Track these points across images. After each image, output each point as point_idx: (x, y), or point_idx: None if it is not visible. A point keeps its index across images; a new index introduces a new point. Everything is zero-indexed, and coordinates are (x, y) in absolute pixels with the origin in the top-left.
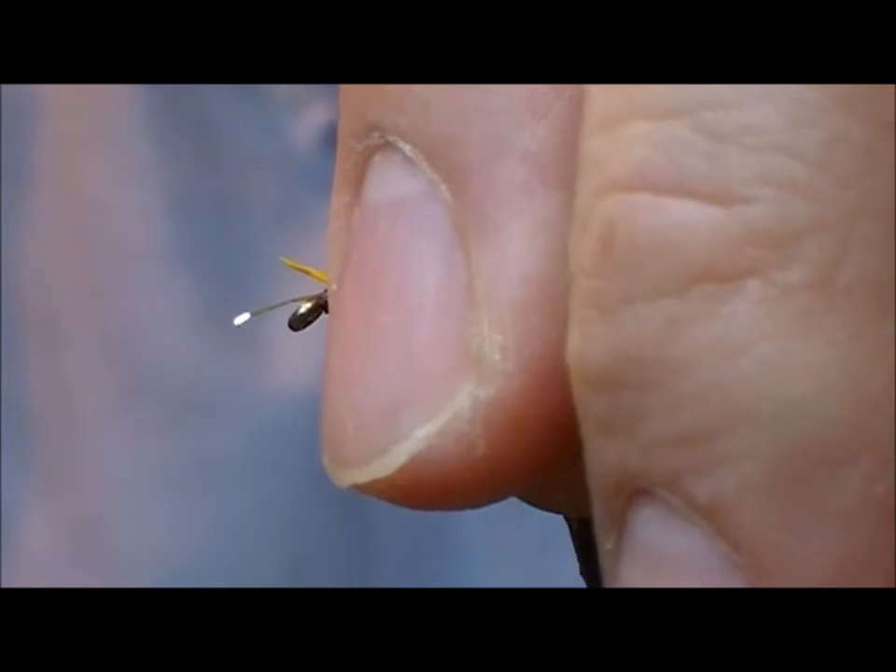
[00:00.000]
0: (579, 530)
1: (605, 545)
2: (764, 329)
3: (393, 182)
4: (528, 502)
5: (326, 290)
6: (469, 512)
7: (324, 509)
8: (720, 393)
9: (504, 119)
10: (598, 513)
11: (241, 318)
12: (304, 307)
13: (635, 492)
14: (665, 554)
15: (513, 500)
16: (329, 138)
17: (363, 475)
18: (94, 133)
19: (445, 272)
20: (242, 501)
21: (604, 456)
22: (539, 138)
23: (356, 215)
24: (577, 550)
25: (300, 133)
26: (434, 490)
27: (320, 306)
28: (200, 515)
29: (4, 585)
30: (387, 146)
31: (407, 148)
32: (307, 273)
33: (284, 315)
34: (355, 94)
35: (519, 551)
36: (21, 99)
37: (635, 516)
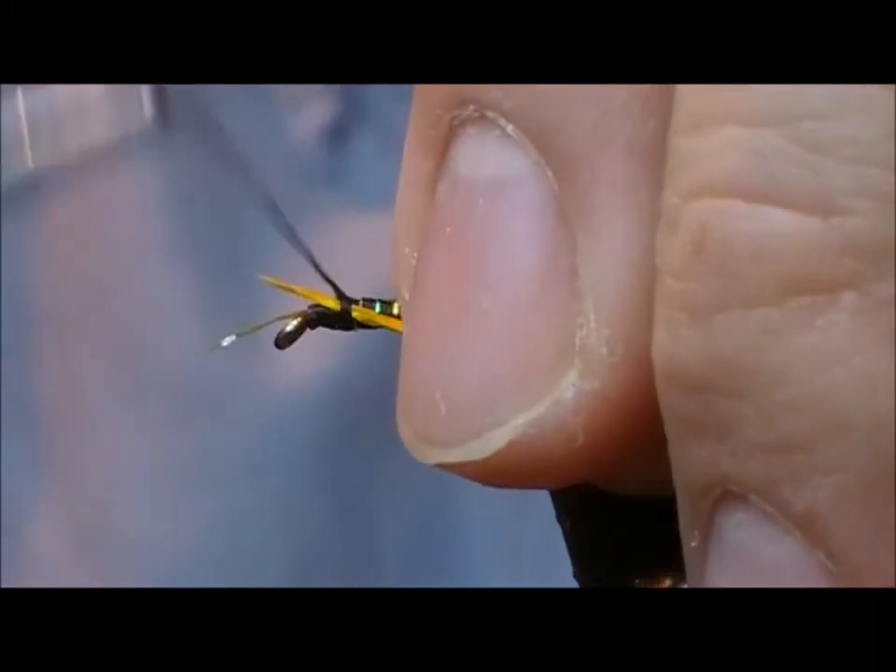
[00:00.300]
0: (571, 532)
1: (689, 542)
2: (860, 340)
3: (490, 159)
4: (598, 485)
5: (310, 307)
6: (472, 512)
7: (328, 507)
8: (816, 403)
9: (615, 111)
10: (683, 511)
11: (227, 340)
12: (291, 325)
13: (725, 494)
14: (759, 560)
15: (516, 501)
16: (330, 136)
17: (453, 456)
18: None
19: (549, 257)
20: (246, 499)
21: (693, 458)
22: (648, 134)
23: (444, 187)
24: (570, 551)
25: (300, 131)
26: (524, 474)
27: (306, 323)
28: (204, 512)
29: (8, 580)
30: (483, 120)
31: (509, 128)
32: (290, 290)
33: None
34: None
35: (522, 550)
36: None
37: (725, 518)
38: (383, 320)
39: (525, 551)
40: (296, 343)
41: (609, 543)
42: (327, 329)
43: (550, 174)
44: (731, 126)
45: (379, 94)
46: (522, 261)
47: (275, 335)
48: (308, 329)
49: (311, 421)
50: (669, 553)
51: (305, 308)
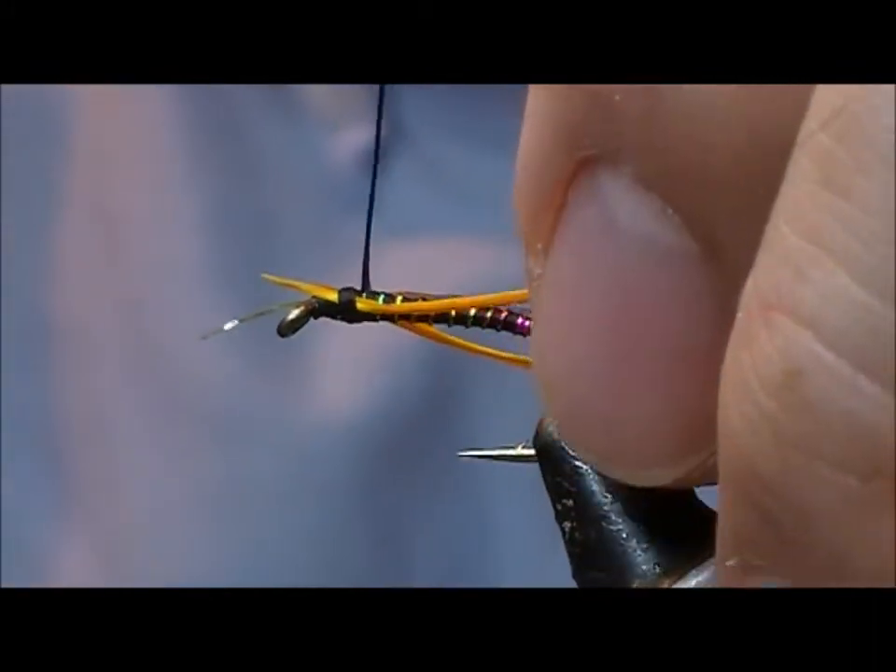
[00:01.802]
0: (571, 536)
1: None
2: None
3: (648, 218)
4: None
5: (313, 298)
6: (507, 536)
7: (360, 534)
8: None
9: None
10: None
11: (229, 325)
12: (293, 313)
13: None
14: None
15: (551, 522)
16: (366, 160)
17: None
18: (127, 152)
19: (700, 342)
20: (276, 526)
21: None
22: None
23: (594, 219)
24: (569, 555)
25: (336, 154)
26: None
27: (309, 312)
28: (233, 539)
29: None
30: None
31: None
32: (295, 287)
33: (318, 340)
34: None
35: (555, 572)
36: (53, 115)
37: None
38: (386, 310)
39: (561, 574)
40: (332, 372)
41: (607, 545)
42: (361, 346)
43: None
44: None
45: (416, 119)
46: (671, 341)
47: (278, 323)
48: (312, 319)
49: (342, 448)
50: (667, 555)
51: (310, 298)
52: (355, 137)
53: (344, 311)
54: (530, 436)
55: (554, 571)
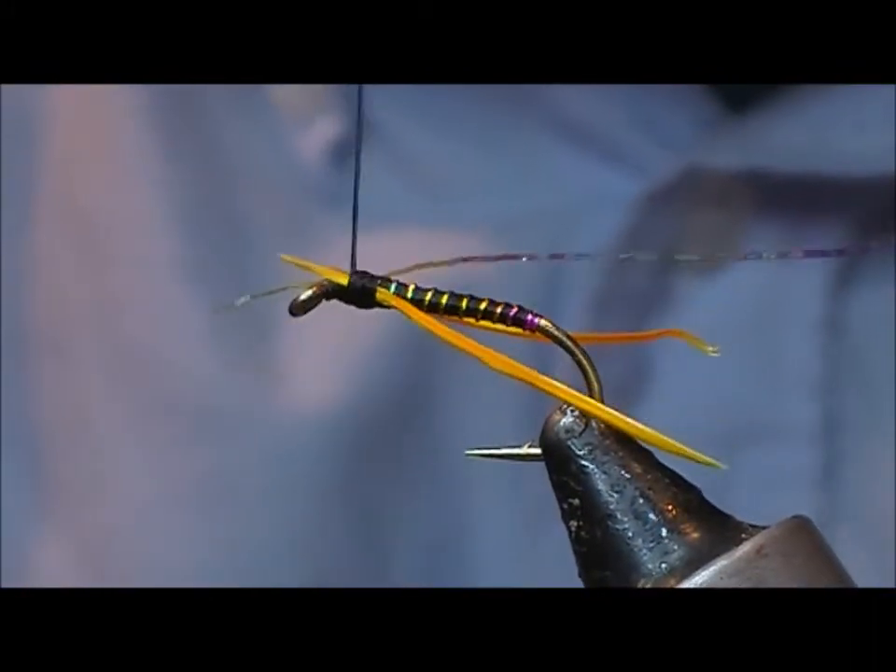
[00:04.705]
0: (577, 535)
1: None
2: None
3: None
4: None
5: (326, 279)
6: (486, 528)
7: (340, 526)
8: None
9: None
10: None
11: (241, 301)
12: (306, 293)
13: None
14: None
15: (530, 520)
16: (336, 154)
17: None
18: (99, 151)
19: None
20: (257, 519)
21: None
22: None
23: None
24: (576, 554)
25: (307, 148)
26: None
27: (321, 293)
28: (214, 533)
29: None
30: None
31: None
32: (308, 268)
33: (296, 336)
34: None
35: (535, 569)
36: (24, 117)
37: None
38: (399, 304)
39: (540, 571)
40: (307, 364)
41: (612, 544)
42: (339, 342)
43: None
44: None
45: (386, 112)
46: None
47: (290, 302)
48: (324, 301)
49: (321, 444)
50: (672, 553)
51: (322, 280)
52: (324, 131)
53: (354, 295)
54: (535, 435)
55: (531, 568)
